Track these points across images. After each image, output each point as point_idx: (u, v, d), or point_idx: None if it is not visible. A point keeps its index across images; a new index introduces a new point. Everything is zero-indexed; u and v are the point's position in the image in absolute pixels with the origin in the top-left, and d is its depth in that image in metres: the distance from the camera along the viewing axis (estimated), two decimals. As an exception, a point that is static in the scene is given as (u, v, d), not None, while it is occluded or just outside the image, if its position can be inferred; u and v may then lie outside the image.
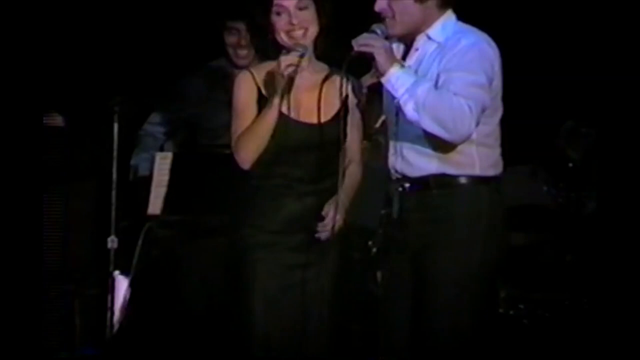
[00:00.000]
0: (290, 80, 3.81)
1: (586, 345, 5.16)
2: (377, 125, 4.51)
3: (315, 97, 3.91)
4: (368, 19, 4.33)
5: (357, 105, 3.99)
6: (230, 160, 3.99)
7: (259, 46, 4.08)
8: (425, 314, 3.84)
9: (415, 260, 3.86)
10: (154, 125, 5.04)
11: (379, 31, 3.83)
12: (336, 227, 3.85)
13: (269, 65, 3.92)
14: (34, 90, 4.84)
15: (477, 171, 3.84)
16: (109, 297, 4.92)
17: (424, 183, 3.82)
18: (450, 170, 3.79)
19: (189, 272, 4.76)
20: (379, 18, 4.01)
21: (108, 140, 4.96)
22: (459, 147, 3.81)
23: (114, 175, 4.90)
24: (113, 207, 4.89)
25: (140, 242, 4.95)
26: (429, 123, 3.71)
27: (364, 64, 4.17)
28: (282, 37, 3.89)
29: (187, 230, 4.77)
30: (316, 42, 3.93)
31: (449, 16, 3.89)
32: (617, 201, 5.58)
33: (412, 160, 3.83)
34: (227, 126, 4.01)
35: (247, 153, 3.87)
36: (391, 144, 3.90)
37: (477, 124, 3.78)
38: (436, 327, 3.80)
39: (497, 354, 4.52)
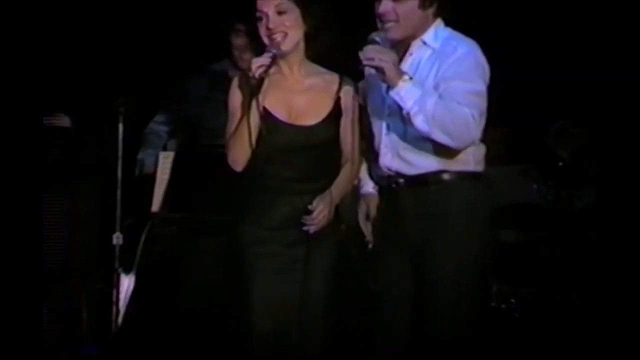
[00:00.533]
0: (260, 81, 3.79)
1: (575, 339, 5.18)
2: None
3: (306, 99, 3.92)
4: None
5: (353, 106, 3.98)
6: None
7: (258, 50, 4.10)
8: (425, 306, 3.87)
9: (413, 255, 3.89)
10: (159, 125, 5.04)
11: (378, 39, 3.87)
12: (325, 221, 3.85)
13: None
14: (39, 92, 4.94)
15: (471, 167, 3.92)
16: (114, 292, 4.88)
17: (421, 180, 3.87)
18: (449, 167, 3.87)
19: (191, 269, 4.76)
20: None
21: (113, 140, 4.92)
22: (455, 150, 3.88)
23: (119, 174, 4.87)
24: (118, 205, 4.86)
25: (142, 239, 4.97)
26: (438, 133, 3.78)
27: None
28: (265, 41, 3.89)
29: (189, 228, 4.78)
30: (307, 44, 3.92)
31: (439, 22, 3.96)
32: (607, 199, 5.58)
33: (411, 160, 3.88)
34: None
35: (234, 155, 3.90)
36: (383, 144, 3.92)
37: (481, 130, 3.89)
38: (437, 320, 3.84)
39: (490, 346, 4.64)
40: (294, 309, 3.86)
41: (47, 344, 5.09)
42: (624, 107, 5.63)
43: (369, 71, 3.98)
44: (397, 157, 3.90)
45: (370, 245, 5.02)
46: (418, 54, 3.92)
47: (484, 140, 3.94)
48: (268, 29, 3.83)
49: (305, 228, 3.85)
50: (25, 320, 3.90)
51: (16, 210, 3.93)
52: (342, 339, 4.27)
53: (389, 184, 3.94)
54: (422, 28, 3.92)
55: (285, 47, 3.84)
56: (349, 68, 4.13)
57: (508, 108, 4.20)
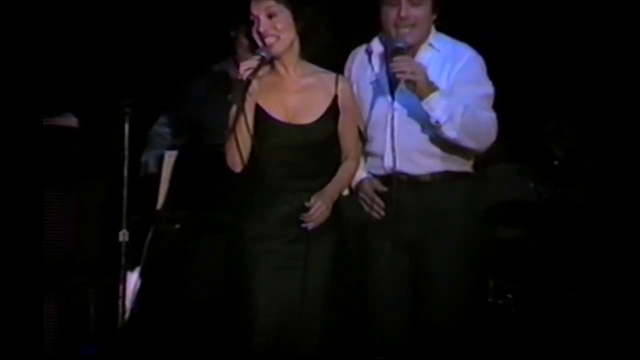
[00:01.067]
0: (248, 83, 3.81)
1: (570, 334, 5.19)
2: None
3: (302, 98, 3.94)
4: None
5: (350, 104, 3.99)
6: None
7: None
8: (424, 303, 3.96)
9: (413, 252, 3.98)
10: (162, 126, 5.06)
11: (402, 45, 3.94)
12: (323, 218, 3.87)
13: (263, 71, 3.94)
14: (48, 93, 4.98)
15: (469, 167, 4.05)
16: (121, 288, 4.88)
17: (425, 179, 3.98)
18: (451, 167, 3.99)
19: (194, 265, 4.78)
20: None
21: (119, 140, 4.91)
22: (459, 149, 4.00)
23: (125, 173, 4.86)
24: (124, 203, 4.85)
25: (149, 236, 4.94)
26: (465, 139, 3.92)
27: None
28: (258, 43, 3.91)
29: (193, 225, 4.79)
30: (302, 45, 3.92)
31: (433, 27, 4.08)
32: (601, 197, 5.59)
33: (417, 160, 3.98)
34: (229, 126, 4.09)
35: (231, 157, 3.93)
36: (388, 145, 3.98)
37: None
38: (436, 314, 3.94)
39: (487, 340, 4.69)
40: (294, 304, 3.88)
41: (55, 339, 5.09)
42: (618, 107, 5.65)
43: (361, 74, 4.07)
44: (403, 157, 3.96)
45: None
46: (426, 57, 4.00)
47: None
48: (258, 32, 3.85)
49: (303, 225, 3.87)
50: (27, 317, 3.92)
51: (19, 208, 3.96)
52: (342, 335, 4.24)
53: (391, 183, 3.99)
54: (428, 32, 4.03)
55: (276, 49, 3.86)
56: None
57: (504, 108, 4.23)
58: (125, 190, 4.86)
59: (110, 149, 5.14)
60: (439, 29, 4.12)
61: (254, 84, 3.83)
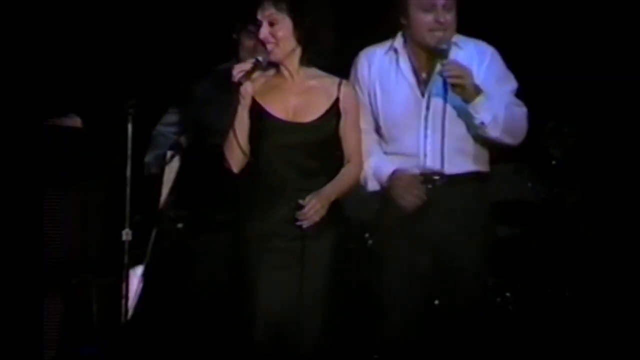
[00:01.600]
0: (239, 85, 3.89)
1: (568, 331, 5.20)
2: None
3: (304, 99, 3.98)
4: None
5: (352, 108, 4.03)
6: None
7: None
8: (448, 299, 4.01)
9: (438, 251, 3.99)
10: (166, 126, 5.04)
11: (446, 47, 3.99)
12: (318, 217, 3.89)
13: (265, 75, 4.02)
14: (52, 94, 5.02)
15: (488, 168, 4.13)
16: (124, 286, 4.90)
17: (458, 179, 4.02)
18: (479, 167, 4.06)
19: (198, 265, 4.79)
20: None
21: (123, 140, 4.95)
22: (487, 148, 4.09)
23: (128, 173, 4.90)
24: (127, 203, 4.88)
25: (152, 235, 5.04)
26: (506, 137, 4.02)
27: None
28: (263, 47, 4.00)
29: (195, 225, 4.84)
30: (304, 51, 3.97)
31: None
32: (598, 196, 5.60)
33: (453, 160, 4.00)
34: (233, 127, 4.07)
35: (228, 157, 3.99)
36: (422, 145, 4.00)
37: None
38: (459, 311, 4.00)
39: (485, 337, 4.69)
40: (294, 303, 3.91)
41: (58, 337, 5.12)
42: (615, 107, 5.65)
43: (385, 74, 4.09)
44: (439, 157, 3.99)
45: (369, 242, 5.05)
46: (455, 57, 4.04)
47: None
48: (260, 38, 3.93)
49: (298, 223, 3.90)
50: (28, 316, 3.98)
51: (20, 208, 4.03)
52: (341, 333, 4.28)
53: (424, 183, 4.01)
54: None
55: (275, 56, 3.94)
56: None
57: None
58: (128, 190, 4.89)
59: (113, 149, 5.15)
60: None
61: (247, 86, 3.90)
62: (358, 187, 4.20)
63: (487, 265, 4.12)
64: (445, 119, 4.00)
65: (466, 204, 4.04)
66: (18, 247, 4.09)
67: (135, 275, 5.08)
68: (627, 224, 5.51)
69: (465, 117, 4.04)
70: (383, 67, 4.15)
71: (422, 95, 4.04)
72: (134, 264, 5.03)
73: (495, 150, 4.20)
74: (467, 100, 3.95)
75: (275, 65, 4.02)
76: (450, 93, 4.00)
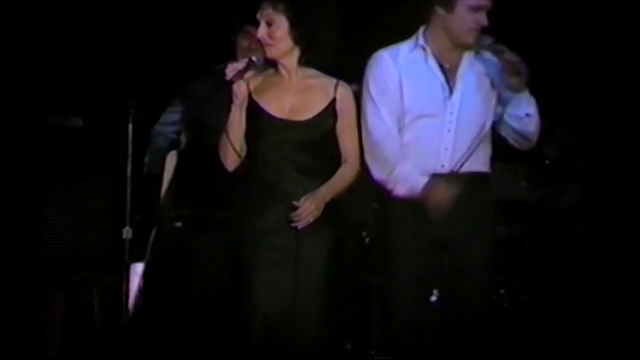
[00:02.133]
0: (231, 84, 3.90)
1: (561, 327, 5.23)
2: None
3: (301, 97, 3.99)
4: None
5: (349, 108, 4.03)
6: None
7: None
8: (462, 296, 4.00)
9: (454, 251, 3.99)
10: (165, 126, 5.03)
11: (491, 41, 4.01)
12: (312, 218, 3.89)
13: (264, 75, 4.04)
14: (54, 95, 5.09)
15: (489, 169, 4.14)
16: (125, 284, 5.00)
17: (473, 179, 4.02)
18: (487, 168, 4.09)
19: (197, 263, 4.78)
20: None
21: (123, 140, 5.02)
22: (490, 150, 4.11)
23: (129, 172, 4.97)
24: (128, 202, 4.95)
25: (152, 234, 5.01)
26: (535, 135, 4.07)
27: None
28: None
29: (195, 223, 4.82)
30: (302, 52, 3.97)
31: None
32: (591, 195, 5.64)
33: (471, 159, 4.00)
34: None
35: (223, 156, 4.01)
36: (444, 141, 4.00)
37: None
38: (471, 307, 4.01)
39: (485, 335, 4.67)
40: (291, 298, 3.92)
41: (61, 334, 5.16)
42: (608, 107, 5.65)
43: (413, 72, 4.05)
44: (457, 155, 4.01)
45: (367, 240, 5.13)
46: (470, 55, 4.10)
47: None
48: (258, 38, 3.96)
49: (292, 224, 3.91)
50: (28, 315, 4.03)
51: (20, 206, 4.06)
52: (338, 330, 4.39)
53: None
54: None
55: (272, 55, 3.96)
56: (349, 72, 4.22)
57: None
58: (128, 189, 4.97)
59: (114, 149, 5.19)
60: None
61: (240, 85, 3.92)
62: (356, 187, 4.18)
63: (495, 264, 4.14)
64: (468, 118, 4.03)
65: (479, 203, 4.06)
66: (18, 246, 4.12)
67: (136, 273, 5.10)
68: (620, 222, 5.54)
69: (482, 117, 4.07)
70: (411, 64, 4.11)
71: (450, 92, 4.05)
72: (134, 261, 5.08)
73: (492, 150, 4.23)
74: (520, 89, 3.97)
75: (273, 64, 4.03)
76: (473, 93, 4.05)
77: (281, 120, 3.98)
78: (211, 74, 4.88)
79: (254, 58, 3.95)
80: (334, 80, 4.04)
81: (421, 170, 4.03)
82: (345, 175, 4.05)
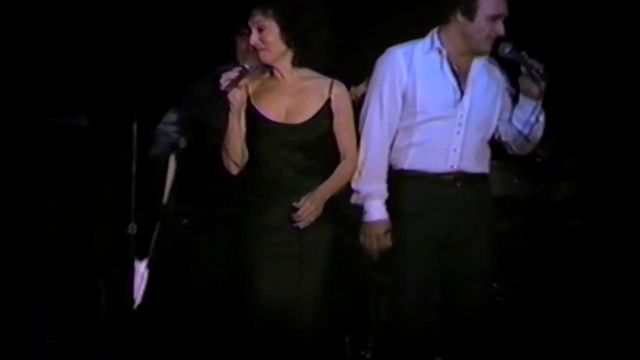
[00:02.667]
0: (226, 94, 3.96)
1: (552, 320, 5.30)
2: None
3: (297, 100, 4.05)
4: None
5: (345, 107, 4.08)
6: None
7: None
8: (463, 293, 4.07)
9: (456, 247, 4.05)
10: (167, 125, 5.08)
11: (509, 49, 4.05)
12: (313, 218, 3.96)
13: (262, 79, 4.10)
14: (61, 95, 5.15)
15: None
16: (129, 277, 5.02)
17: (476, 179, 4.10)
18: (488, 170, 4.16)
19: (199, 258, 4.88)
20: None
21: (128, 139, 5.04)
22: (490, 150, 4.17)
23: (134, 170, 4.99)
24: (133, 199, 4.97)
25: (156, 230, 5.12)
26: (539, 139, 4.14)
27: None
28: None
29: (197, 220, 4.91)
30: (295, 55, 4.04)
31: None
32: (581, 192, 5.68)
33: (476, 161, 4.10)
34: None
35: (226, 161, 4.07)
36: (454, 143, 4.06)
37: None
38: (472, 306, 4.08)
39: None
40: (291, 294, 4.00)
41: (68, 327, 5.23)
42: (598, 107, 5.68)
43: (427, 73, 4.09)
44: (465, 156, 4.07)
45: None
46: (481, 60, 4.15)
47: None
48: (250, 43, 4.03)
49: (294, 225, 3.98)
50: (31, 308, 4.14)
51: (24, 204, 4.14)
52: (337, 325, 4.49)
53: (445, 182, 4.09)
54: None
55: (265, 60, 4.03)
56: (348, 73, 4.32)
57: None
58: (133, 187, 5.00)
59: (119, 148, 5.26)
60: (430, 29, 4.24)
61: (235, 93, 3.97)
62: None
63: (495, 262, 4.20)
64: (475, 121, 4.10)
65: (482, 203, 4.14)
66: (24, 243, 4.18)
67: (141, 267, 5.14)
68: (609, 219, 5.59)
69: (489, 121, 4.14)
70: (426, 66, 4.14)
71: (462, 96, 4.10)
72: (139, 256, 5.11)
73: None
74: (539, 96, 4.04)
75: (269, 68, 4.10)
76: (482, 97, 4.11)
77: (278, 124, 4.05)
78: (212, 76, 4.78)
79: (247, 66, 4.03)
80: (329, 80, 4.09)
81: (430, 170, 4.11)
82: (344, 172, 4.12)
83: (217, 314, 4.64)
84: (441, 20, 4.14)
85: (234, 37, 4.79)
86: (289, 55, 4.06)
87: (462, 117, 4.09)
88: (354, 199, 4.18)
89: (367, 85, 4.39)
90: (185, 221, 5.02)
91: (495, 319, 4.89)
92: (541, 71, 3.98)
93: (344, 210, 4.36)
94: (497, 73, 4.17)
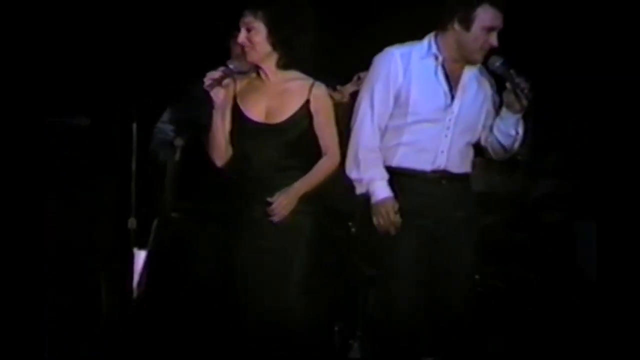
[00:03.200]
0: (207, 93, 4.07)
1: (531, 310, 5.42)
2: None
3: (279, 100, 4.15)
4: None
5: (323, 107, 4.16)
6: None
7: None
8: (448, 285, 4.16)
9: (440, 245, 4.13)
10: (165, 124, 5.15)
11: (501, 62, 4.15)
12: (286, 211, 4.09)
13: (249, 79, 4.20)
14: (63, 96, 5.17)
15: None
16: (130, 271, 5.13)
17: (461, 178, 4.21)
18: (470, 170, 4.27)
19: (193, 249, 4.96)
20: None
21: (128, 138, 5.13)
22: (474, 152, 4.27)
23: (133, 168, 5.08)
24: (133, 195, 5.06)
25: (154, 224, 5.20)
26: (515, 150, 4.23)
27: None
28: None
29: (192, 215, 4.98)
30: (279, 57, 4.13)
31: None
32: (560, 188, 5.75)
33: (462, 161, 4.20)
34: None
35: (212, 155, 4.18)
36: (442, 144, 4.15)
37: None
38: (457, 298, 4.19)
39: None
40: (275, 286, 4.10)
41: (69, 320, 5.30)
42: (575, 107, 5.77)
43: (422, 75, 4.17)
44: (451, 157, 4.17)
45: (352, 230, 5.17)
46: (472, 68, 4.24)
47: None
48: (238, 43, 4.14)
49: (269, 219, 4.10)
50: (32, 305, 4.28)
51: (28, 203, 4.29)
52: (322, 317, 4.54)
53: (431, 180, 4.18)
54: None
55: (251, 59, 4.13)
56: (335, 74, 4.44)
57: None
58: (133, 184, 5.09)
59: (119, 146, 5.31)
60: (429, 31, 4.30)
61: (218, 91, 4.07)
62: (342, 180, 4.34)
63: (478, 255, 4.29)
64: (463, 124, 4.20)
65: (466, 200, 4.25)
66: (20, 243, 4.30)
67: (140, 255, 5.23)
68: (584, 213, 5.67)
69: (474, 126, 4.24)
70: (421, 70, 4.21)
71: (452, 100, 4.18)
72: (139, 247, 5.20)
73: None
74: (520, 111, 4.13)
75: (256, 68, 4.20)
76: (470, 103, 4.21)
77: (259, 124, 4.15)
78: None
79: (231, 66, 4.11)
80: (310, 82, 4.17)
81: (418, 168, 4.19)
82: (323, 167, 4.18)
83: (212, 305, 4.67)
84: (439, 27, 4.22)
85: (229, 40, 4.84)
86: (274, 57, 4.16)
87: (450, 120, 4.18)
88: (358, 190, 4.22)
89: (355, 84, 4.54)
90: (179, 215, 5.06)
91: (476, 307, 4.90)
92: (526, 91, 4.07)
93: (334, 205, 4.58)
94: (486, 82, 4.25)
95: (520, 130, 4.20)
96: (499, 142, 4.25)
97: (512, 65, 4.18)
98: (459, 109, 4.19)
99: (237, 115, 4.18)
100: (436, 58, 4.22)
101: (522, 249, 5.66)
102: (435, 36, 4.24)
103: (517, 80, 4.08)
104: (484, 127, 4.31)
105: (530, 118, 4.31)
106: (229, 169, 4.22)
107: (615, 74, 5.60)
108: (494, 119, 4.29)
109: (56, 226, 5.37)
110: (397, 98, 4.21)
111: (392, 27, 5.05)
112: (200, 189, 4.90)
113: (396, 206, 4.16)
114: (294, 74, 4.19)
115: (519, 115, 4.17)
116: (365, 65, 4.39)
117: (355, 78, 4.68)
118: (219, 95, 4.13)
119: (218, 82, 4.09)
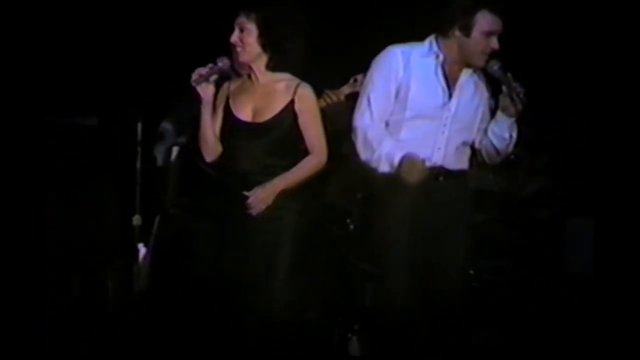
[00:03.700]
0: (194, 89, 4.15)
1: (522, 302, 5.54)
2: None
3: (265, 100, 4.23)
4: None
5: (308, 107, 4.22)
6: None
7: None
8: (440, 277, 4.23)
9: (435, 237, 4.21)
10: (169, 123, 5.17)
11: (499, 67, 4.23)
12: (263, 206, 4.14)
13: (242, 79, 4.30)
14: (72, 97, 5.24)
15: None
16: (134, 265, 5.21)
17: (457, 175, 4.29)
18: (467, 167, 4.35)
19: (193, 244, 4.97)
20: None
21: (133, 137, 5.22)
22: (470, 151, 4.34)
23: (138, 166, 5.19)
24: (137, 192, 5.16)
25: (156, 220, 5.25)
26: (506, 154, 4.30)
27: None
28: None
29: (193, 210, 4.99)
30: (269, 58, 4.21)
31: None
32: (552, 186, 5.83)
33: (458, 158, 4.29)
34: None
35: (202, 150, 4.28)
36: (439, 141, 4.23)
37: None
38: (449, 289, 4.26)
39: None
40: (260, 279, 4.19)
41: (67, 327, 5.32)
42: (568, 107, 5.80)
43: (420, 74, 4.23)
44: (448, 154, 4.26)
45: (351, 227, 5.27)
46: (470, 69, 4.32)
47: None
48: (231, 42, 4.24)
49: (248, 212, 4.16)
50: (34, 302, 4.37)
51: (32, 202, 4.40)
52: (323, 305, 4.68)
53: (434, 176, 4.25)
54: None
55: (242, 58, 4.22)
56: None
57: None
58: (138, 181, 5.19)
59: (125, 145, 5.35)
60: (428, 33, 4.37)
61: (205, 87, 4.15)
62: (340, 178, 4.54)
63: (472, 250, 4.37)
64: (459, 123, 4.28)
65: (462, 196, 4.33)
66: (21, 243, 4.39)
67: (142, 250, 5.30)
68: (575, 210, 5.77)
69: (470, 125, 4.32)
70: (421, 68, 4.27)
71: (449, 99, 4.24)
72: (144, 244, 5.27)
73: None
74: (514, 115, 4.20)
75: (247, 69, 4.29)
76: (467, 103, 4.28)
77: (245, 123, 4.23)
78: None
79: (219, 63, 4.20)
80: (296, 82, 4.25)
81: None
82: (307, 165, 4.23)
83: (209, 301, 4.69)
84: (440, 33, 4.29)
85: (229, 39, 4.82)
86: (264, 58, 4.24)
87: (447, 118, 4.26)
88: (381, 168, 4.23)
89: (351, 86, 4.63)
90: (173, 211, 5.08)
91: (470, 301, 5.01)
92: (521, 95, 4.15)
93: (332, 201, 4.75)
94: (483, 85, 4.33)
95: (514, 134, 4.27)
96: (493, 145, 4.32)
97: (511, 65, 4.22)
98: (455, 108, 4.26)
99: (227, 114, 4.27)
100: (437, 57, 4.29)
101: (515, 245, 5.76)
102: (436, 38, 4.32)
103: (514, 84, 4.15)
104: (478, 129, 4.38)
105: (524, 117, 4.36)
106: (218, 166, 4.31)
107: (613, 74, 5.65)
108: (489, 122, 4.36)
109: (56, 226, 5.44)
110: (397, 93, 4.27)
111: (392, 29, 5.12)
112: (198, 186, 4.94)
113: (419, 156, 4.19)
114: (282, 75, 4.26)
115: (513, 119, 4.24)
116: (365, 66, 4.44)
117: (351, 80, 4.74)
118: (206, 91, 4.23)
119: (205, 78, 4.17)
